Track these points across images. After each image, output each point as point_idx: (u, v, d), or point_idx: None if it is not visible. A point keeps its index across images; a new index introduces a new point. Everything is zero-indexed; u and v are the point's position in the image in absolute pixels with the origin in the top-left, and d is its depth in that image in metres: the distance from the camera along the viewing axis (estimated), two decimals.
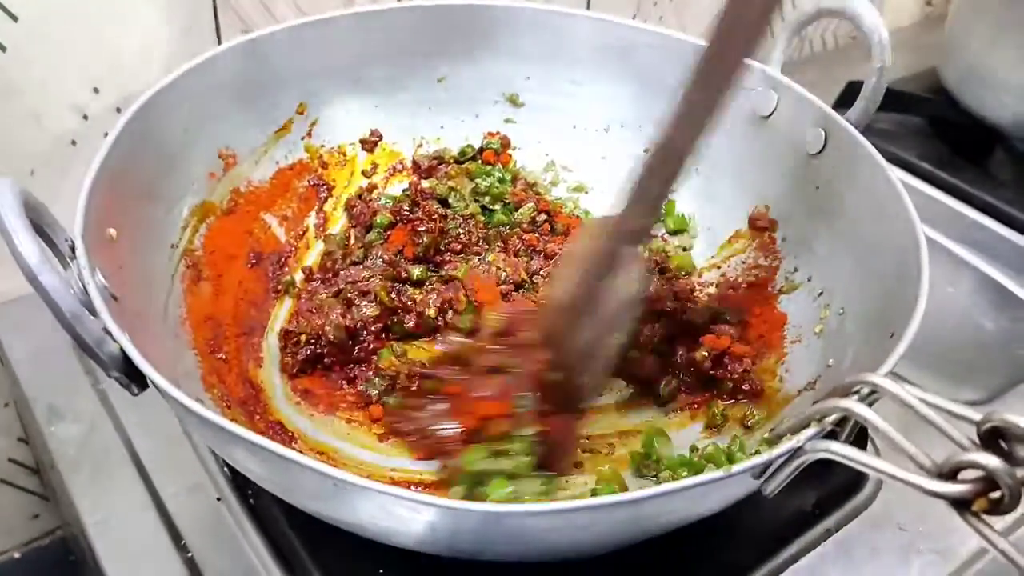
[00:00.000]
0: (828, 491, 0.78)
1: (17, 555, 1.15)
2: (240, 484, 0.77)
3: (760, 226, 0.95)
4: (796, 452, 0.56)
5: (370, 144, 1.02)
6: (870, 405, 0.56)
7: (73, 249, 0.62)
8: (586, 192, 1.06)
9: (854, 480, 0.80)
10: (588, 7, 1.20)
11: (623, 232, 0.71)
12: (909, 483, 0.49)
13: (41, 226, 0.61)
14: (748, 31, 0.63)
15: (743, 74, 0.64)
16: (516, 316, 0.80)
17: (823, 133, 0.87)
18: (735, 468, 0.54)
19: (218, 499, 0.78)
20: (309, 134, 0.98)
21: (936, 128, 1.26)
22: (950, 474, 0.50)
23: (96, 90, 0.92)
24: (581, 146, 1.06)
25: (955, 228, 1.06)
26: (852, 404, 0.54)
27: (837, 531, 0.76)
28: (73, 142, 0.93)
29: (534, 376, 0.73)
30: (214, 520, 0.76)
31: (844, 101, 1.06)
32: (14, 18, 0.84)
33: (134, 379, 0.59)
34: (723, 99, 0.64)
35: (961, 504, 0.49)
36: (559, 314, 0.73)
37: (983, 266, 1.05)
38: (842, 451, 0.53)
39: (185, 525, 0.76)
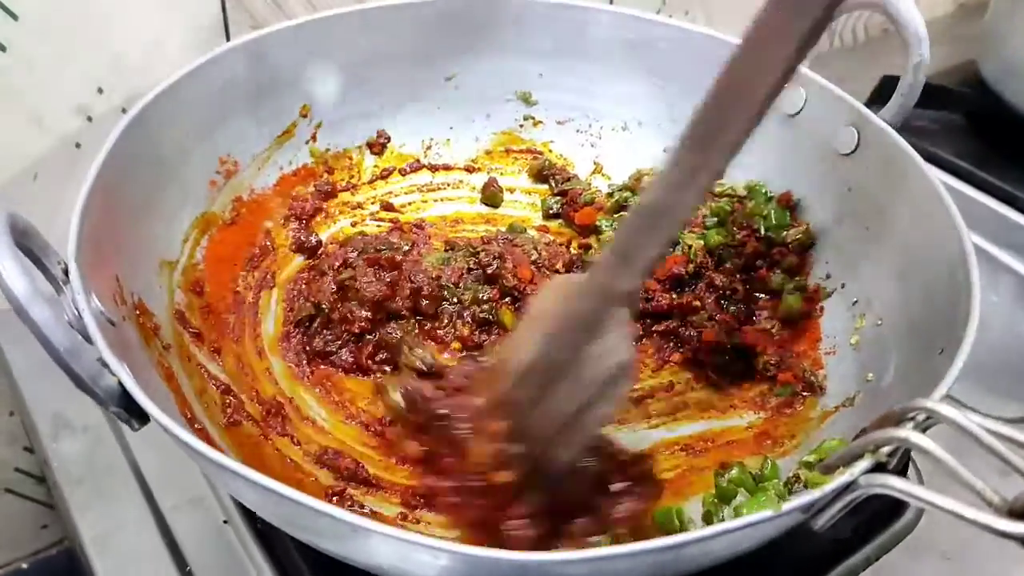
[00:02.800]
0: (868, 516, 0.74)
1: (25, 565, 1.13)
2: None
3: None
4: (849, 487, 0.52)
5: (378, 147, 0.98)
6: (924, 431, 0.52)
7: (67, 272, 0.58)
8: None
9: (895, 505, 0.75)
10: (611, 1, 1.15)
11: (611, 293, 0.61)
12: (979, 524, 0.46)
13: (32, 250, 0.57)
14: (764, 83, 0.52)
15: (752, 132, 0.54)
16: (474, 374, 0.71)
17: (855, 132, 0.83)
18: (785, 507, 0.50)
19: (224, 521, 0.74)
20: (314, 138, 0.93)
21: (975, 124, 1.20)
22: (1021, 512, 0.46)
23: (100, 90, 0.88)
24: (598, 145, 1.02)
25: (996, 231, 1.00)
26: (911, 434, 0.50)
27: (877, 559, 0.72)
28: (78, 144, 0.89)
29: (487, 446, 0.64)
30: (219, 543, 0.73)
31: (878, 97, 1.02)
32: (14, 17, 0.80)
33: (134, 414, 0.55)
34: (726, 161, 0.56)
35: None
36: (523, 380, 0.64)
37: None
38: (902, 487, 0.49)
39: (189, 546, 0.72)
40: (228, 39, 0.91)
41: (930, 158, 0.91)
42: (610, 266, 0.61)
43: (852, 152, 0.83)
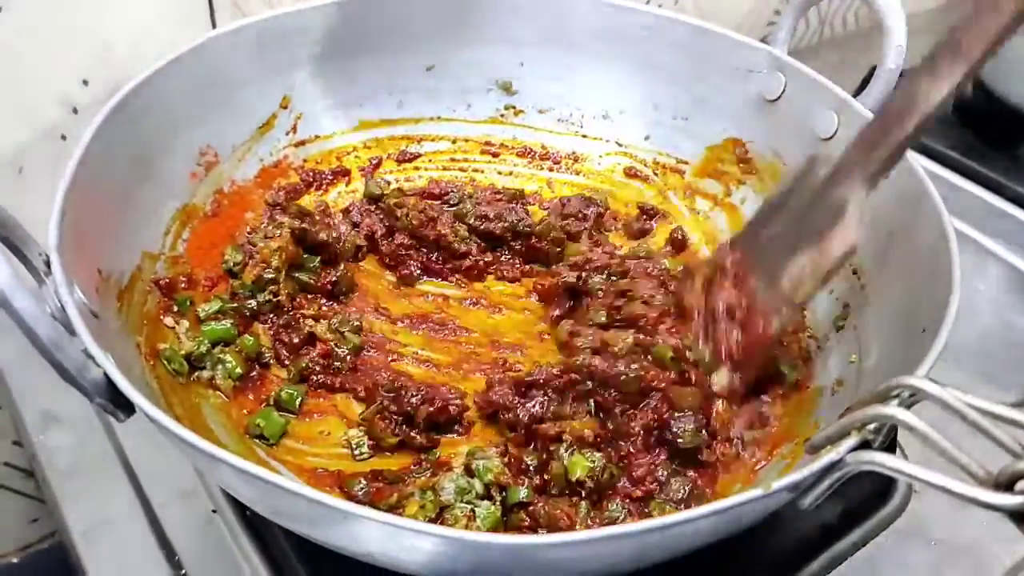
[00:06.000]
0: (855, 501, 0.74)
1: (15, 559, 1.12)
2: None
3: None
4: (836, 465, 0.52)
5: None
6: (908, 409, 0.52)
7: (48, 264, 0.58)
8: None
9: (882, 490, 0.76)
10: None
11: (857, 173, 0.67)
12: (967, 497, 0.46)
13: (12, 241, 0.57)
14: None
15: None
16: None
17: (835, 116, 0.83)
18: (775, 486, 0.50)
19: (213, 511, 0.73)
20: (294, 129, 0.93)
21: (963, 115, 1.22)
22: (1007, 484, 0.46)
23: (85, 82, 0.87)
24: (579, 134, 1.02)
25: (984, 219, 1.01)
26: (896, 411, 0.51)
27: (864, 545, 0.73)
28: (63, 136, 0.88)
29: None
30: (208, 533, 0.72)
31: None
32: None
33: (120, 406, 0.54)
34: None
35: (1020, 517, 0.46)
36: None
37: (1014, 259, 1.01)
38: (890, 463, 0.50)
39: (178, 538, 0.72)
40: (214, 27, 0.90)
41: (919, 148, 0.90)
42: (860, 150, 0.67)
43: (832, 136, 0.84)
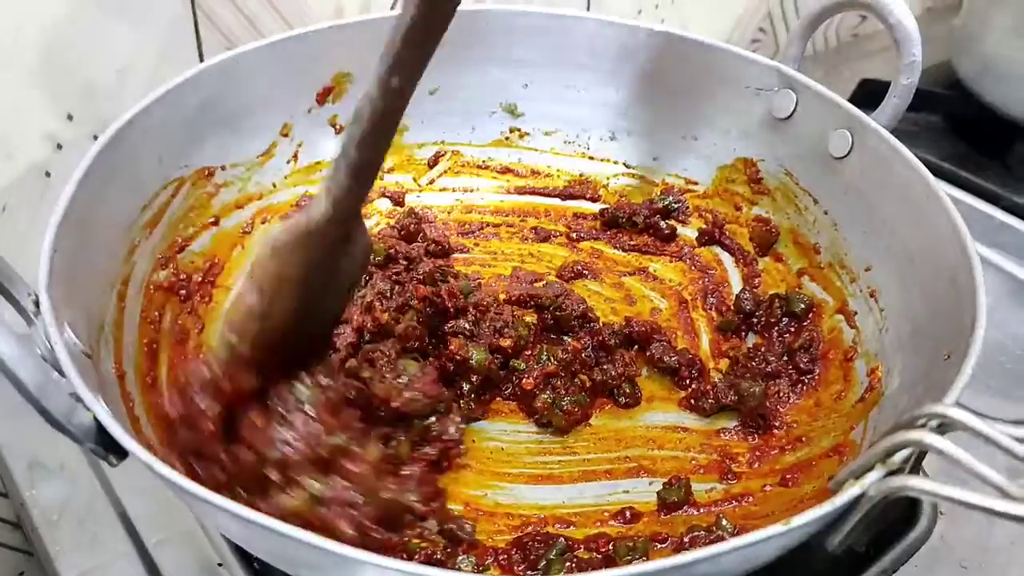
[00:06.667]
0: (881, 527, 0.71)
1: None
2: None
3: None
4: (861, 498, 0.50)
5: None
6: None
7: (37, 304, 0.56)
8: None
9: (908, 514, 0.73)
10: (588, 9, 1.14)
11: (355, 210, 0.61)
12: (1012, 516, 0.44)
13: None
14: None
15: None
16: None
17: (849, 135, 0.81)
18: (795, 521, 0.48)
19: (219, 564, 0.70)
20: (295, 157, 0.91)
21: (952, 125, 1.20)
22: None
23: (70, 117, 0.85)
24: (586, 155, 1.00)
25: (982, 230, 0.99)
26: (925, 435, 0.48)
27: (895, 572, 0.70)
28: (47, 173, 0.87)
29: None
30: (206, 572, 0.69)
31: (857, 100, 1.01)
32: None
33: (112, 450, 0.52)
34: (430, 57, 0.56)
35: None
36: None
37: (1013, 269, 1.00)
38: (927, 487, 0.47)
39: None
40: (202, 60, 0.89)
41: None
42: (348, 187, 0.59)
43: (845, 156, 0.82)
